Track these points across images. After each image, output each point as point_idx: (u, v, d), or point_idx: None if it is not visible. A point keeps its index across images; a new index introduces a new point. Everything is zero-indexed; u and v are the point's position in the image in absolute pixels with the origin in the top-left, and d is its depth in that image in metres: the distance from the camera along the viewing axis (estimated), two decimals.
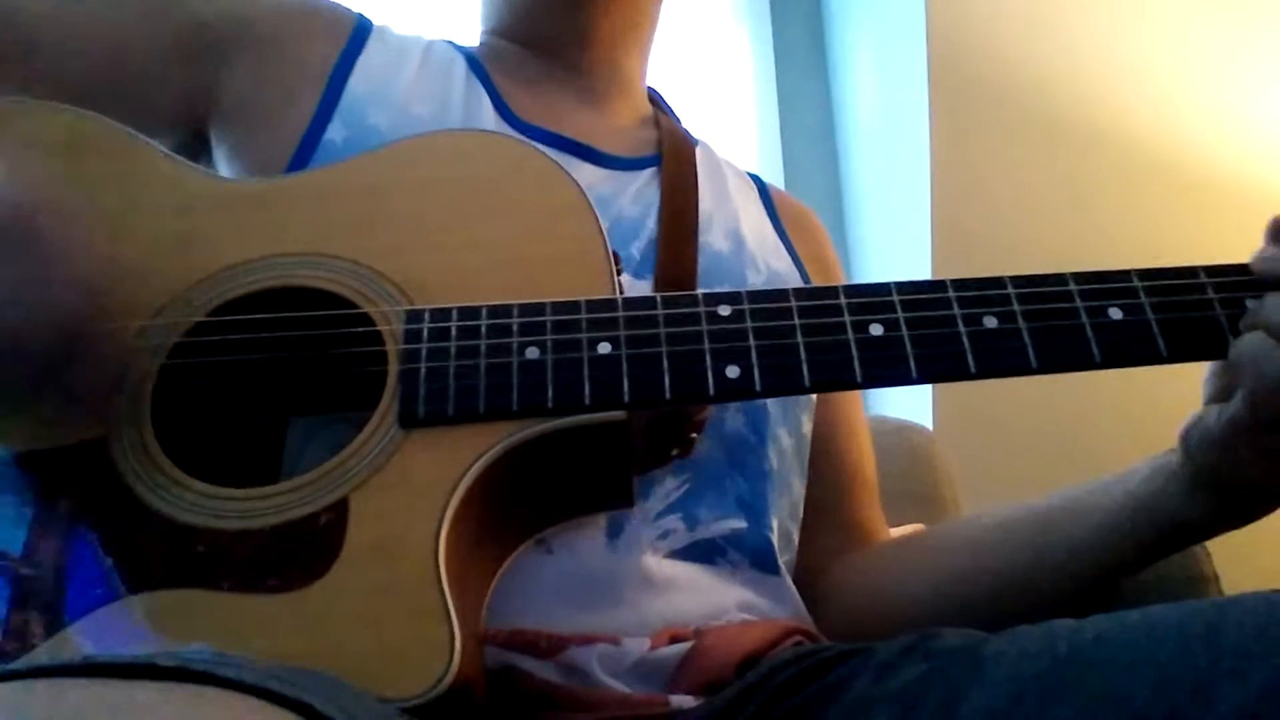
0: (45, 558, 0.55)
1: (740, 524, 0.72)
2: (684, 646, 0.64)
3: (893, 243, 1.96)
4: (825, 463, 0.87)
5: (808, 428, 0.84)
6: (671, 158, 0.85)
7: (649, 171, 0.83)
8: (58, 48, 0.74)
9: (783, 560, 0.76)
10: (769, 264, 0.84)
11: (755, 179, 0.97)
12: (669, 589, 0.67)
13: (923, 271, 1.86)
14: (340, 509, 0.55)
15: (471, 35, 0.93)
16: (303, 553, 0.54)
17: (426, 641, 0.50)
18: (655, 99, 0.97)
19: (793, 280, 0.86)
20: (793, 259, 0.89)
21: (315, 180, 0.69)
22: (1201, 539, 0.65)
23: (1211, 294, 0.58)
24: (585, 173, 0.80)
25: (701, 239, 0.80)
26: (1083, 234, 1.86)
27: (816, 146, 2.09)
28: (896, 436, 1.41)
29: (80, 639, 0.52)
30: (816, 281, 0.90)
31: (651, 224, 0.78)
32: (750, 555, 0.73)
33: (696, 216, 0.80)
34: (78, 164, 0.67)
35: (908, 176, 1.86)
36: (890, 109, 1.95)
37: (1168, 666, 0.45)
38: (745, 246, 0.83)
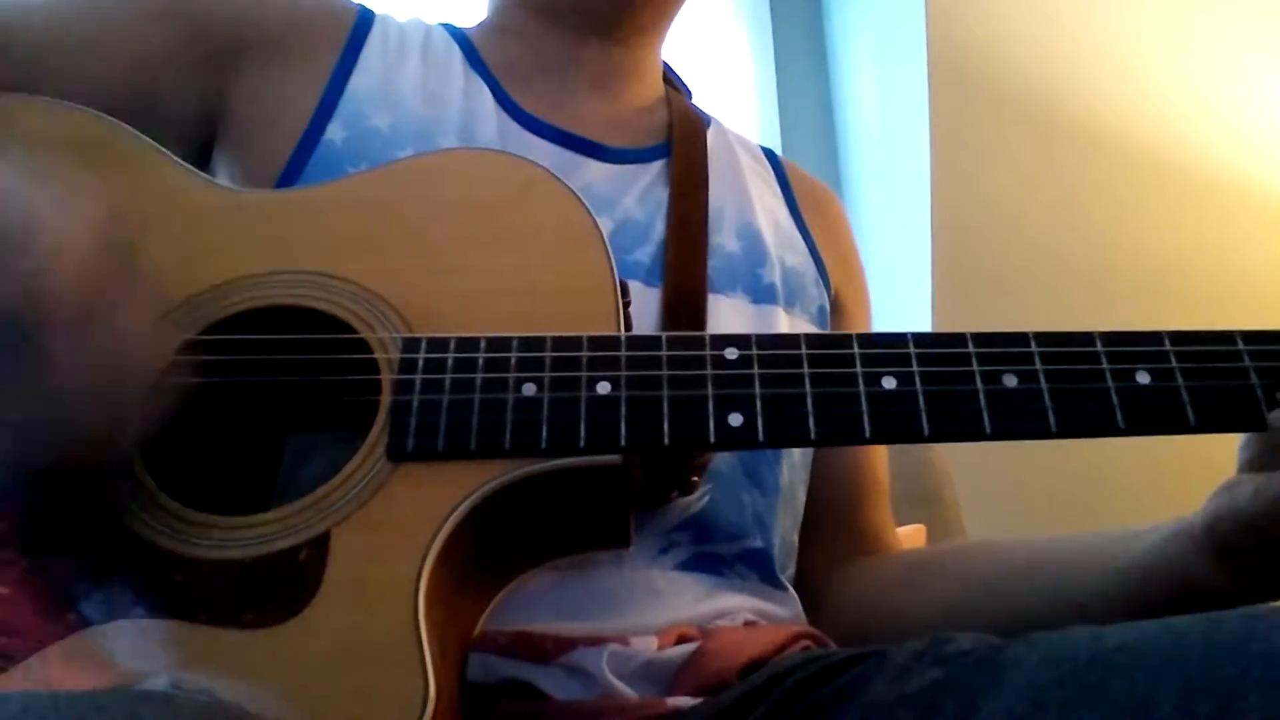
0: (16, 579, 0.52)
1: (756, 542, 0.72)
2: (690, 647, 0.63)
3: (893, 242, 1.95)
4: (837, 465, 0.85)
5: None
6: (681, 147, 0.82)
7: (658, 165, 0.81)
8: (67, 60, 0.72)
9: (786, 574, 0.76)
10: (783, 260, 0.82)
11: (770, 155, 0.94)
12: (677, 596, 0.67)
13: (922, 271, 1.85)
14: (321, 544, 0.53)
15: (472, 13, 0.89)
16: (280, 588, 0.52)
17: (398, 692, 0.49)
18: (667, 74, 0.93)
19: (808, 275, 0.84)
20: (809, 250, 0.86)
21: (322, 195, 0.67)
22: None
23: (1248, 361, 0.54)
24: (591, 170, 0.78)
25: (712, 240, 0.77)
26: (1082, 234, 1.86)
27: (816, 146, 2.08)
28: None
29: (45, 668, 0.50)
30: (833, 274, 0.88)
31: (660, 226, 0.76)
32: (758, 570, 0.72)
33: (706, 217, 0.78)
34: (84, 168, 0.65)
35: (908, 176, 1.85)
36: (890, 109, 1.93)
37: (1194, 675, 0.43)
38: (759, 242, 0.81)
